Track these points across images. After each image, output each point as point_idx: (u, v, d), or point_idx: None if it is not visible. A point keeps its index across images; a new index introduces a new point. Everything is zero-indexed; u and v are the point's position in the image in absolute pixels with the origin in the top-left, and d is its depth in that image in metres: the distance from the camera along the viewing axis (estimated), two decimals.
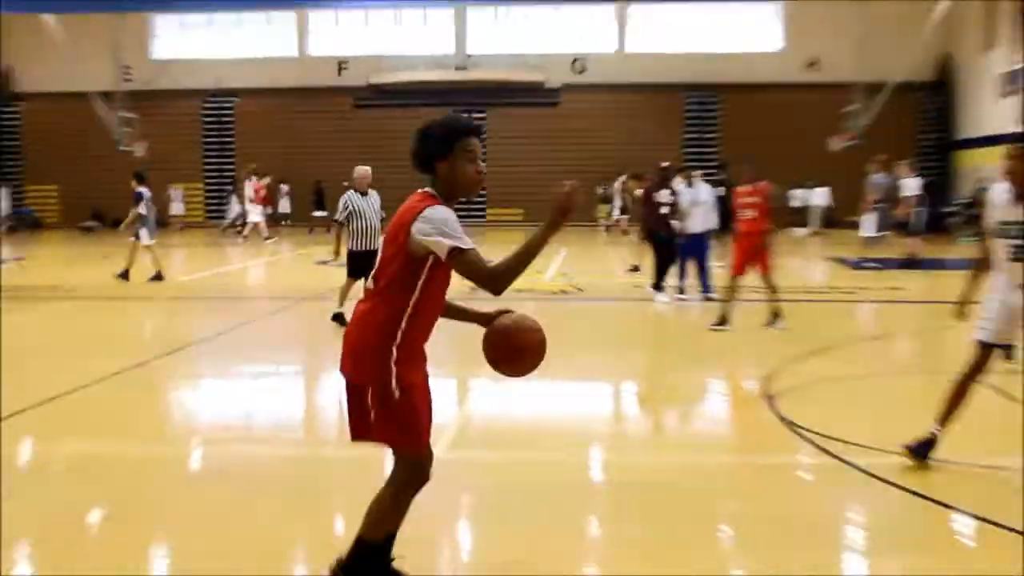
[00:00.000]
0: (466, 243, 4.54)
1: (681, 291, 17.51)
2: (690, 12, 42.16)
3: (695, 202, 17.25)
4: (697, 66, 41.38)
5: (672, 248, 17.36)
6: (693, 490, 7.48)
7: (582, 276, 21.33)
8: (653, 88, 41.54)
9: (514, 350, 5.02)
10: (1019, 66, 35.86)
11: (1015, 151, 7.12)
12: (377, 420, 4.75)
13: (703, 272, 17.51)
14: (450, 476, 7.64)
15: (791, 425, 8.92)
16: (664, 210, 17.21)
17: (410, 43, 43.00)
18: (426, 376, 4.93)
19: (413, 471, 4.91)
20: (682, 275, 17.64)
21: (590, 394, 11.26)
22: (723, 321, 14.05)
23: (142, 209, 20.67)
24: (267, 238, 33.70)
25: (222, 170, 44.25)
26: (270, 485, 7.34)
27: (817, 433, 8.46)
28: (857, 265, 24.13)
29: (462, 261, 4.53)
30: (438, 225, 4.53)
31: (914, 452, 7.39)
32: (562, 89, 42.40)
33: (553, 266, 22.90)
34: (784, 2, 41.71)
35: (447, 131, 4.77)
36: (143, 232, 20.58)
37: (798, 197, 38.34)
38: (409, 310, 4.70)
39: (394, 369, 4.71)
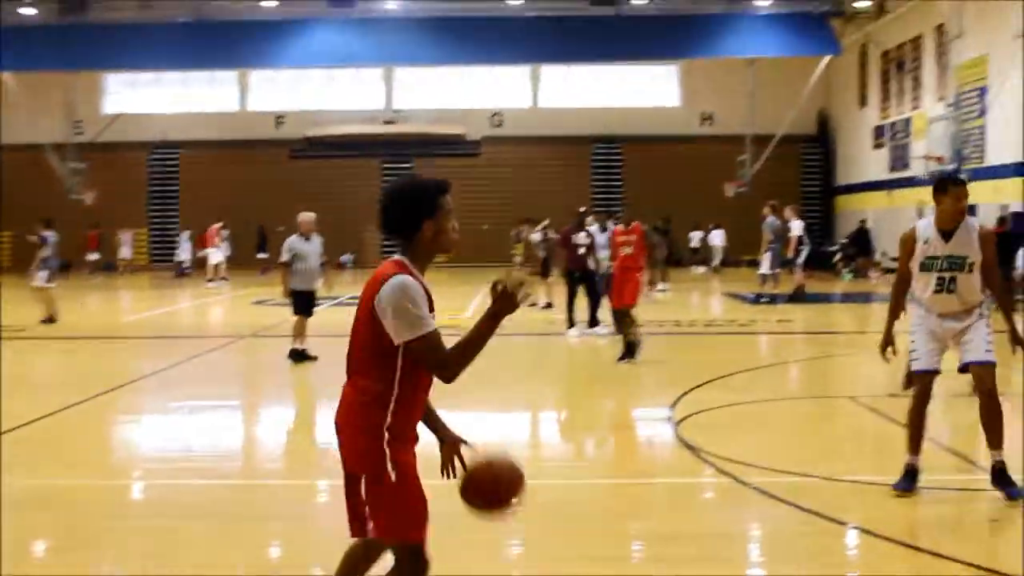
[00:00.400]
0: (422, 327, 4.01)
1: (593, 324, 17.41)
2: (596, 71, 42.53)
3: (605, 244, 17.25)
4: (603, 120, 41.73)
5: (592, 285, 17.25)
6: (605, 510, 7.42)
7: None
8: (563, 140, 41.80)
9: (500, 502, 4.35)
10: (887, 121, 36.76)
11: (942, 190, 7.04)
12: (373, 510, 4.12)
13: (593, 304, 17.44)
14: None
15: (693, 449, 8.87)
16: (581, 250, 17.13)
17: (343, 99, 42.91)
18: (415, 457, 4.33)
19: (415, 563, 4.24)
20: (595, 310, 17.53)
21: (508, 422, 11.10)
22: (630, 353, 13.83)
23: (45, 252, 20.01)
24: (223, 278, 32.94)
25: (166, 217, 43.59)
26: (207, 514, 7.10)
27: (717, 456, 8.42)
28: (752, 300, 24.32)
29: (415, 349, 4.02)
30: (397, 302, 4.00)
31: (902, 488, 7.16)
32: (482, 141, 42.47)
33: (473, 303, 22.77)
34: (679, 63, 42.13)
35: (431, 191, 4.29)
36: (41, 274, 19.71)
37: (696, 238, 38.69)
38: (395, 385, 4.12)
39: (387, 451, 4.12)
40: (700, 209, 37.53)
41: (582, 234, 17.32)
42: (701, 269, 36.75)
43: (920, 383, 7.23)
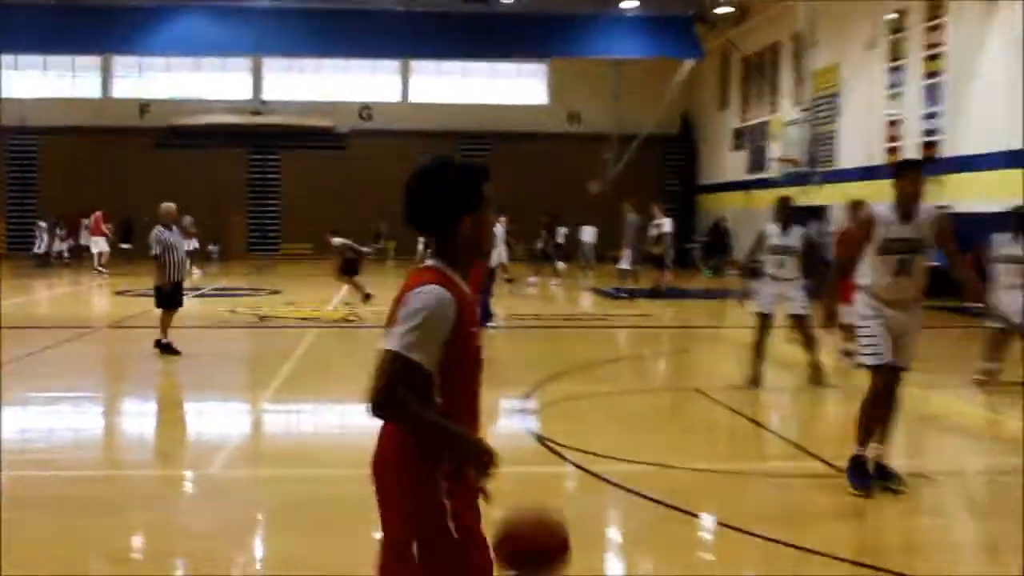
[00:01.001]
0: (407, 347, 3.11)
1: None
2: (467, 67, 42.67)
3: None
4: (473, 116, 41.82)
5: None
6: None
7: (364, 306, 21.11)
8: (433, 135, 41.72)
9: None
10: (746, 124, 37.83)
11: (900, 173, 7.20)
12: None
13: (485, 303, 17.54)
14: (231, 491, 7.57)
15: (542, 439, 9.11)
16: None
17: (209, 88, 42.15)
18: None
19: None
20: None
21: (357, 414, 11.01)
22: None
23: None
24: (102, 268, 31.99)
25: (24, 206, 42.19)
26: (51, 506, 7.05)
27: (565, 445, 8.65)
28: (613, 295, 24.83)
29: (381, 363, 3.15)
30: (417, 315, 3.14)
31: (861, 486, 7.13)
32: (351, 134, 42.21)
33: (337, 297, 22.71)
34: (548, 62, 42.53)
35: (475, 178, 3.40)
36: None
37: (562, 235, 39.06)
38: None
39: (447, 505, 3.22)
40: (568, 206, 37.92)
41: None
42: (562, 265, 37.21)
43: (881, 376, 7.17)
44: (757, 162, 36.81)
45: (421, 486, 3.20)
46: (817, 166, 32.56)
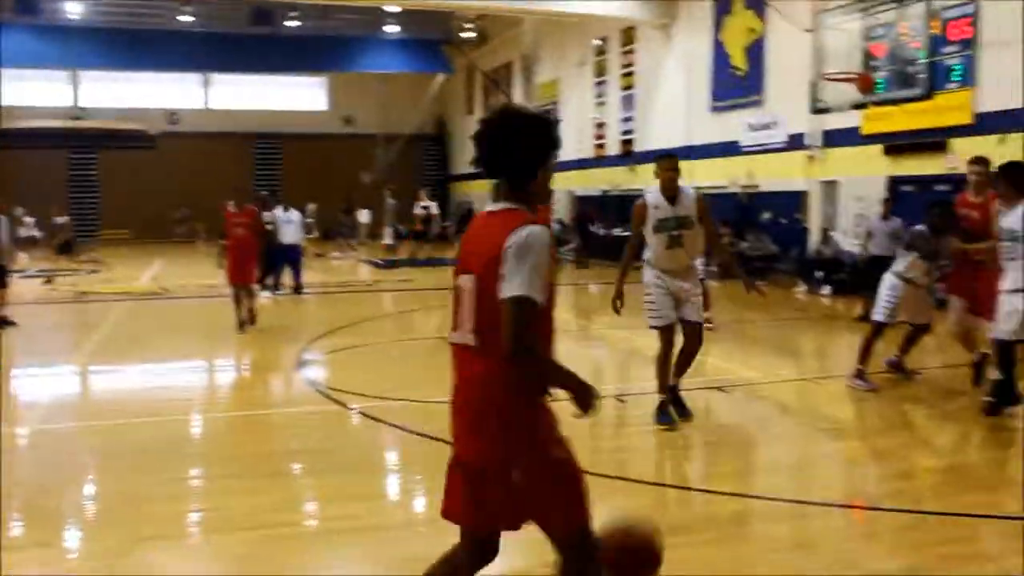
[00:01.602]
0: (533, 291, 2.77)
1: (276, 288, 16.95)
2: (259, 79, 41.29)
3: (288, 221, 16.99)
4: (264, 120, 40.59)
5: (273, 256, 16.47)
6: (238, 436, 7.47)
7: (173, 280, 20.27)
8: (232, 136, 40.34)
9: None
10: None
11: (658, 165, 7.03)
12: (535, 500, 2.92)
13: (297, 274, 17.17)
14: (50, 444, 7.23)
15: (313, 383, 9.09)
16: (269, 227, 16.12)
17: (31, 96, 38.93)
18: None
19: (589, 545, 3.02)
20: (277, 277, 17.01)
21: (169, 371, 10.39)
22: (251, 320, 12.49)
23: None
24: None
25: None
26: None
27: (333, 388, 8.68)
28: (381, 265, 24.75)
29: (513, 310, 2.75)
30: (530, 255, 2.78)
31: (667, 422, 7.09)
32: (160, 136, 40.15)
33: (148, 273, 21.74)
34: (327, 75, 41.74)
35: (552, 129, 2.99)
36: None
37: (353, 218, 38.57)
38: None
39: (548, 432, 2.97)
40: (354, 194, 37.36)
41: (267, 213, 16.29)
42: (354, 242, 36.93)
43: (663, 335, 7.08)
44: None
45: (522, 420, 2.90)
46: None
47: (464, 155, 41.17)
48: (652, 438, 7.04)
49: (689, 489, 6.02)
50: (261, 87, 41.54)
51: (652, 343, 7.31)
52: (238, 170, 38.39)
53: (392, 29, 36.99)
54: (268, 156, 41.88)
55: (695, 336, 7.16)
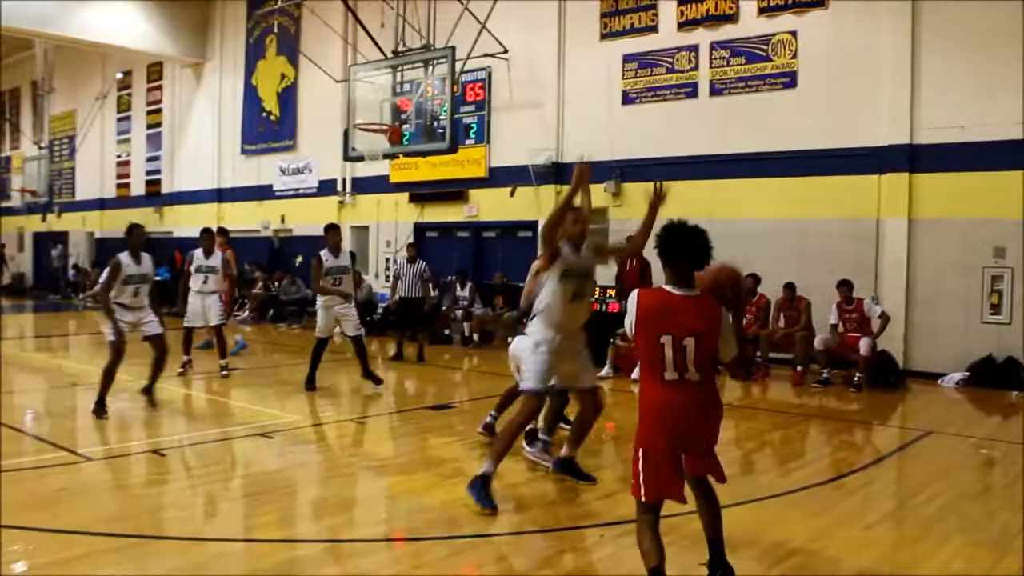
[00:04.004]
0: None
1: None
2: None
3: None
4: None
5: None
6: None
7: None
8: None
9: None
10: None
11: (570, 217, 6.16)
12: (717, 463, 4.39)
13: None
14: None
15: None
16: None
17: None
18: None
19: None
20: None
21: None
22: None
23: None
24: None
25: None
26: None
27: None
28: None
29: (737, 361, 4.39)
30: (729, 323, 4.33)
31: (485, 505, 5.87)
32: None
33: None
34: None
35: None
36: None
37: None
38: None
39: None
40: None
41: None
42: None
43: (531, 402, 6.20)
44: (2, 192, 33.58)
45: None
46: (55, 197, 30.69)
47: None
48: (191, 493, 6.48)
49: (234, 541, 5.59)
50: None
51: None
52: None
53: None
54: None
55: (597, 398, 6.69)
